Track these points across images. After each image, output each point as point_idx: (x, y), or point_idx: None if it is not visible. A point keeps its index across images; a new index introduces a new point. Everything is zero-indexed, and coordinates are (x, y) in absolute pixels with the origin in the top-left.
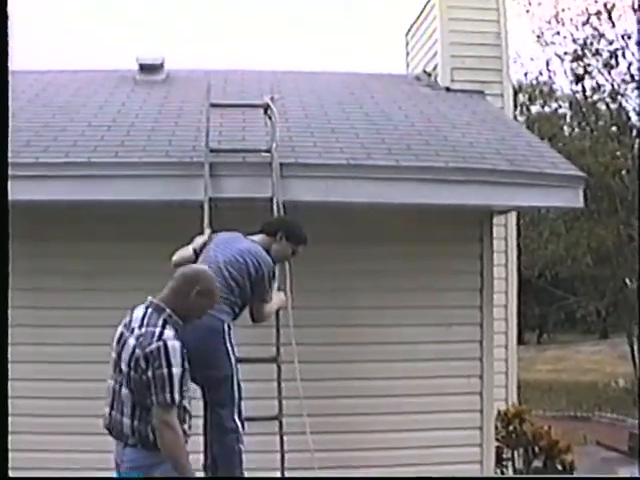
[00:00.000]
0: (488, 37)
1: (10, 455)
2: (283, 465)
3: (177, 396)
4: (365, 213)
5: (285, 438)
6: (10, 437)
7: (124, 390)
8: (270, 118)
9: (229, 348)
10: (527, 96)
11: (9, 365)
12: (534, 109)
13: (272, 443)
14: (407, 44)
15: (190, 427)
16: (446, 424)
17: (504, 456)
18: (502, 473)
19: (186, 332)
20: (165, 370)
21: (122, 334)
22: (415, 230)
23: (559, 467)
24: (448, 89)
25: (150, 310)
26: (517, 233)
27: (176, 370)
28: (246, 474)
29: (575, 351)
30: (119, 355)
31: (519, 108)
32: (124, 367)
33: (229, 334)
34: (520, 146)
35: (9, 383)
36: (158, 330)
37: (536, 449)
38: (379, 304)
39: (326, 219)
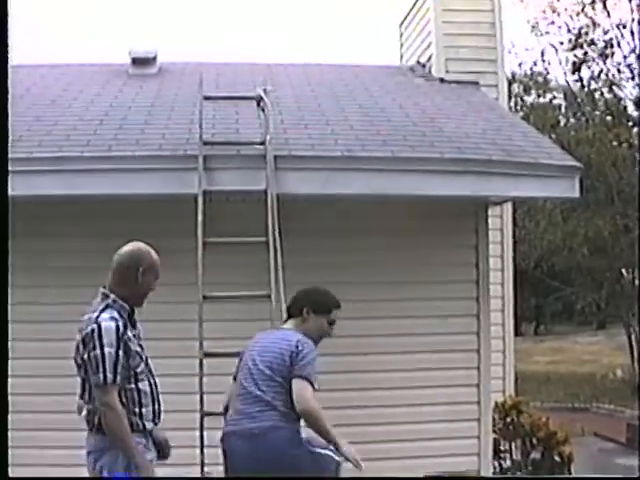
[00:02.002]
0: (482, 27)
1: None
2: None
3: (111, 376)
4: (360, 205)
5: None
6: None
7: (79, 377)
8: (263, 110)
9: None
10: (522, 87)
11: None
12: (529, 100)
13: None
14: (401, 35)
15: (158, 414)
16: (443, 416)
17: (502, 448)
18: (500, 465)
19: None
20: (98, 351)
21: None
22: (410, 222)
23: (557, 458)
24: (442, 80)
25: (98, 299)
26: (513, 224)
27: (108, 350)
28: None
29: (572, 342)
30: (77, 345)
31: (514, 99)
32: (78, 355)
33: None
34: (516, 136)
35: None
36: (95, 315)
37: (534, 440)
38: (374, 297)
39: (321, 211)
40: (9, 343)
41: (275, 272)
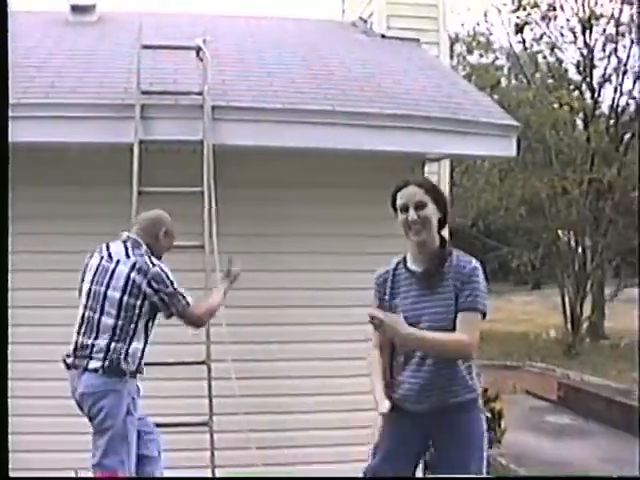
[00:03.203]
0: None
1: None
2: (211, 409)
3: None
4: (297, 158)
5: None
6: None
7: (106, 316)
8: (202, 60)
9: None
10: (465, 47)
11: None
12: (472, 59)
13: (200, 388)
14: None
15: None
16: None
17: None
18: None
19: None
20: (171, 288)
21: (102, 266)
22: (346, 176)
23: (488, 415)
24: (383, 36)
25: (129, 244)
26: (450, 182)
27: (175, 284)
28: (175, 473)
29: (507, 301)
30: (107, 284)
31: (456, 58)
32: (115, 293)
33: None
34: (456, 94)
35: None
36: (147, 259)
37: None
38: (308, 249)
39: (258, 163)
40: None
41: (209, 223)
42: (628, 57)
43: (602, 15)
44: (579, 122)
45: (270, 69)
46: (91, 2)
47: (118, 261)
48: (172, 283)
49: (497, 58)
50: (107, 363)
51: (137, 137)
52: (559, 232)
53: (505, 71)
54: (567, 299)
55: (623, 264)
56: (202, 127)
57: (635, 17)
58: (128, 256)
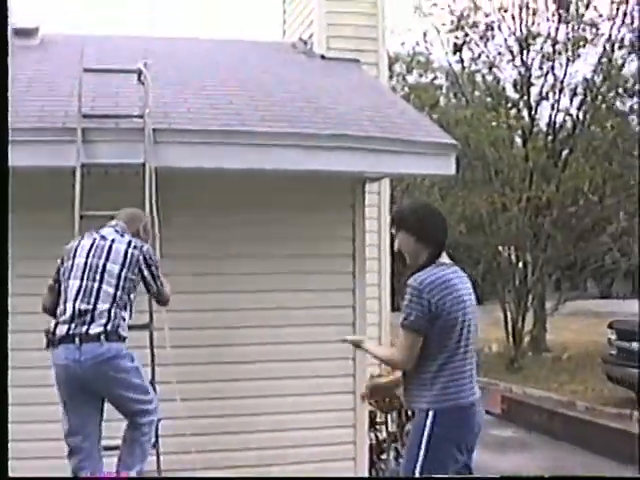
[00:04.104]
0: (364, 6)
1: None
2: (157, 431)
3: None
4: (239, 180)
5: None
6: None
7: (106, 285)
8: (143, 84)
9: None
10: (404, 66)
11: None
12: (411, 79)
13: None
14: (284, 12)
15: None
16: (319, 389)
17: (378, 420)
18: (376, 437)
19: None
20: (158, 265)
21: (97, 244)
22: (288, 197)
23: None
24: (323, 57)
25: (119, 229)
26: (391, 201)
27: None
28: None
29: None
30: (106, 258)
31: (396, 78)
32: (115, 266)
33: None
34: (394, 114)
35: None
36: (139, 241)
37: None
38: (252, 270)
39: (199, 186)
40: None
41: (153, 245)
42: (564, 75)
43: (539, 34)
44: (517, 139)
45: (209, 91)
46: (34, 26)
47: (114, 240)
48: (156, 262)
49: (436, 77)
50: (109, 328)
51: (79, 161)
52: (499, 248)
53: (444, 90)
54: (509, 314)
55: (563, 278)
56: (143, 150)
57: (570, 35)
58: (122, 236)
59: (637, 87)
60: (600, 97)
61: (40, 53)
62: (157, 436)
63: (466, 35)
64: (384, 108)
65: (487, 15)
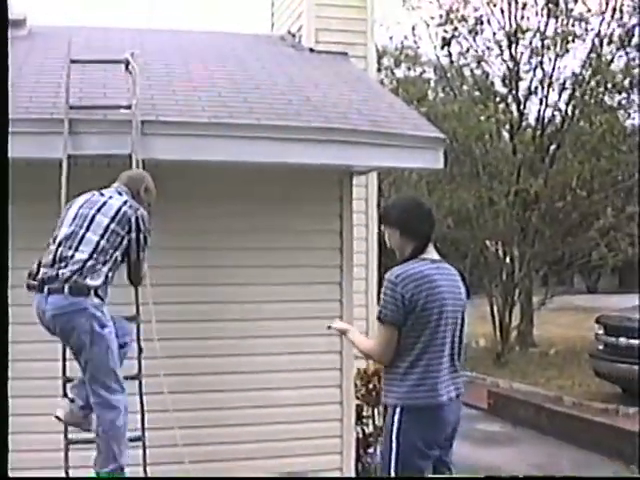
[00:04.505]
0: None
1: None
2: (143, 425)
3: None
4: (226, 171)
5: (145, 398)
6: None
7: (91, 233)
8: (131, 74)
9: None
10: (392, 60)
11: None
12: (399, 73)
13: (132, 403)
14: (272, 4)
15: None
16: (306, 382)
17: (364, 414)
18: (363, 431)
19: None
20: (146, 235)
21: (93, 199)
22: (276, 189)
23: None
24: (312, 50)
25: (120, 190)
26: (378, 194)
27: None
28: None
29: None
30: (98, 209)
31: (384, 72)
32: (105, 218)
33: None
34: (382, 107)
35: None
36: (134, 202)
37: None
38: (239, 263)
39: (187, 177)
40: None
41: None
42: (553, 69)
43: (528, 29)
44: (505, 134)
45: (197, 83)
46: (22, 17)
47: (111, 196)
48: (148, 229)
49: (424, 71)
50: (79, 280)
51: (66, 152)
52: (487, 242)
53: (432, 84)
54: (496, 308)
55: (550, 273)
56: (131, 141)
57: (559, 30)
58: (120, 194)
59: (626, 82)
60: (589, 92)
61: (28, 44)
62: (143, 429)
63: (455, 29)
64: (372, 101)
65: (476, 9)
